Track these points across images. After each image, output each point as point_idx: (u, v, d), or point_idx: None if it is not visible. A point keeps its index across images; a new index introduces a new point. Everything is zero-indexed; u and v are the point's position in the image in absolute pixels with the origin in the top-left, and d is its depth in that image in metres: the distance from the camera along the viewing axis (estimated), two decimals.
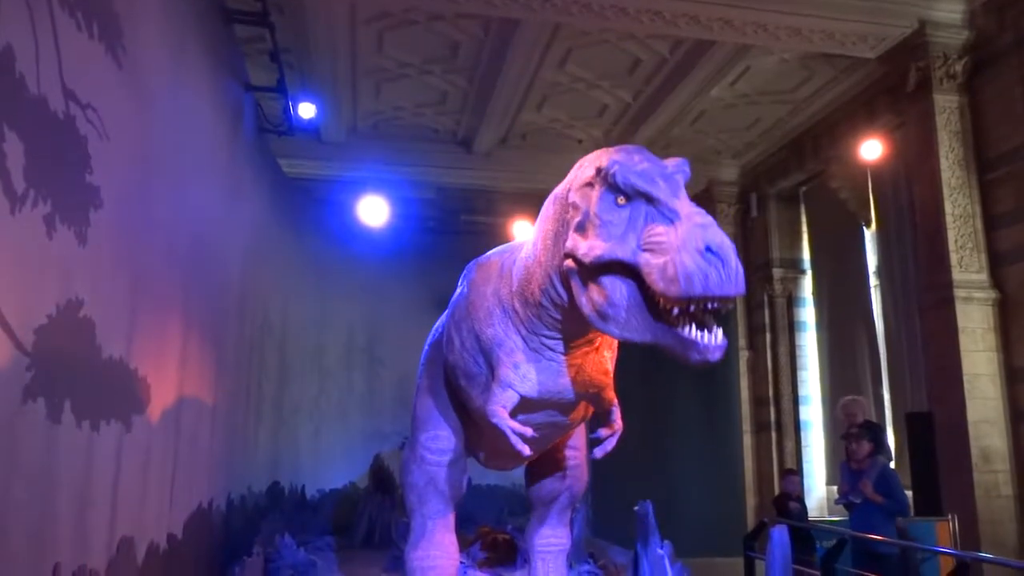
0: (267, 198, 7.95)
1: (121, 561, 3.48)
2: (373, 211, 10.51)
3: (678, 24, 8.14)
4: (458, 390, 4.16)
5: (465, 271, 4.12)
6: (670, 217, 2.73)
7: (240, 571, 4.43)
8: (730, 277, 2.55)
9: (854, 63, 9.30)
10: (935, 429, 8.15)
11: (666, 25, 8.22)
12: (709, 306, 2.64)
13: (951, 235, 7.95)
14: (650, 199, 2.82)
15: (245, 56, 7.62)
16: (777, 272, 12.57)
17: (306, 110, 8.31)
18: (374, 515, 8.19)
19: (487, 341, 3.65)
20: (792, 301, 12.61)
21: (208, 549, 5.52)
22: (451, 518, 4.48)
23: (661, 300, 2.70)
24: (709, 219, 2.71)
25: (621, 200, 2.89)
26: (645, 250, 2.74)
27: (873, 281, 10.54)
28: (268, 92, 7.61)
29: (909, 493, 7.34)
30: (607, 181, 2.93)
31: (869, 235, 10.61)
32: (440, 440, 4.35)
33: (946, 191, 8.00)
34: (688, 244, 2.60)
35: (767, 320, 12.70)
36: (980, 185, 8.11)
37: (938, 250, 8.07)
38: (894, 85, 8.90)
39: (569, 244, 3.05)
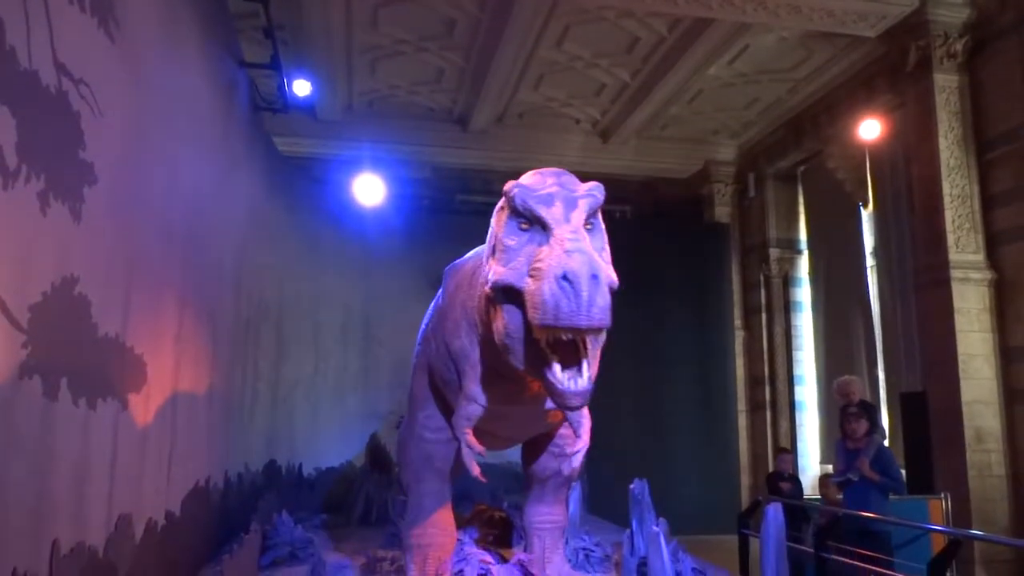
0: (262, 176, 7.90)
1: (119, 538, 3.49)
2: (369, 190, 10.46)
3: (677, 2, 8.09)
4: (439, 388, 4.18)
5: (444, 275, 4.12)
6: (552, 242, 2.68)
7: (238, 548, 4.44)
8: (579, 308, 2.46)
9: (854, 42, 9.25)
10: (929, 409, 8.20)
11: (665, 3, 8.17)
12: (564, 337, 2.57)
13: (948, 216, 7.96)
14: (543, 224, 2.76)
15: (239, 32, 7.54)
16: (774, 252, 12.59)
17: (301, 87, 8.24)
18: (371, 493, 8.20)
19: (454, 353, 3.67)
20: (788, 281, 12.64)
21: (206, 526, 5.55)
22: (448, 495, 4.50)
23: (534, 330, 2.65)
24: (578, 244, 2.62)
25: (524, 225, 2.85)
26: (530, 276, 2.68)
27: (869, 262, 10.56)
28: (262, 69, 7.53)
29: (902, 472, 7.40)
30: (510, 205, 2.89)
31: (866, 216, 10.62)
32: (437, 419, 4.35)
33: (944, 171, 8.00)
34: (551, 271, 2.54)
35: (763, 300, 12.74)
36: (979, 165, 8.11)
37: (935, 231, 8.09)
38: (894, 64, 8.87)
39: (484, 268, 3.02)
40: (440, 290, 4.11)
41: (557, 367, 2.69)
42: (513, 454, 9.03)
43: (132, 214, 3.68)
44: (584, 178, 3.10)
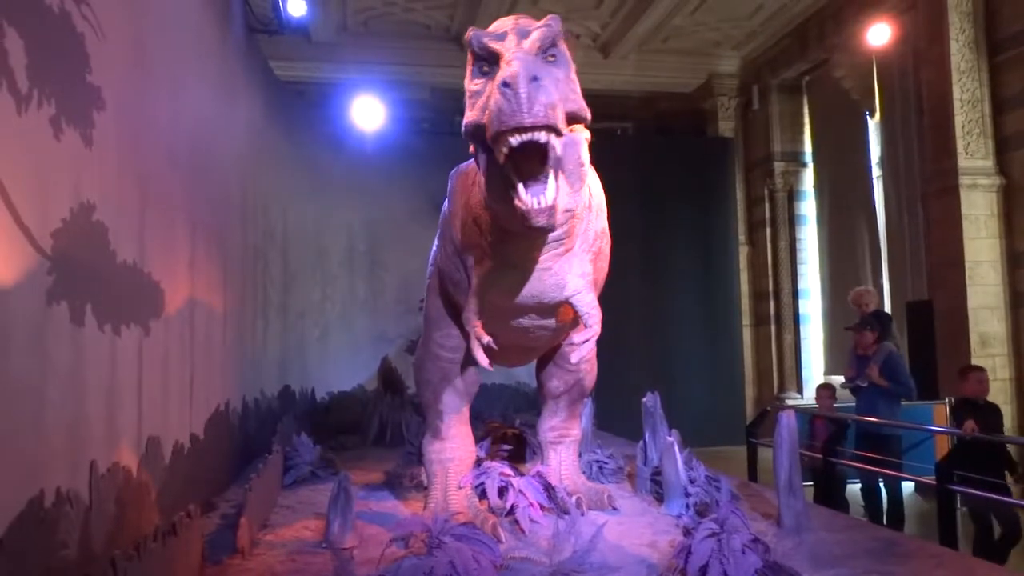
0: (261, 101, 7.74)
1: (150, 459, 3.57)
2: (367, 113, 10.31)
3: None
4: (450, 295, 4.19)
5: (449, 178, 4.08)
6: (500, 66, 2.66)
7: (263, 467, 4.56)
8: (519, 106, 2.44)
9: None
10: (934, 316, 8.28)
11: None
12: (513, 142, 2.51)
13: (958, 121, 7.86)
14: (496, 57, 2.74)
15: None
16: (778, 166, 12.49)
17: (296, 7, 7.99)
18: (385, 415, 8.33)
19: (462, 250, 3.66)
20: (793, 195, 12.59)
21: (228, 448, 5.67)
22: (466, 412, 4.57)
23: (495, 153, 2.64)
24: (519, 54, 2.62)
25: (485, 68, 2.83)
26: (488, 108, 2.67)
27: (876, 172, 10.48)
28: None
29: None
30: (470, 51, 2.88)
31: (873, 125, 10.48)
32: (452, 337, 4.38)
33: (955, 75, 7.86)
34: (497, 87, 2.53)
35: (767, 215, 12.72)
36: (989, 68, 7.95)
37: (944, 137, 8.00)
38: None
39: (467, 165, 3.01)
40: (447, 194, 4.08)
41: (521, 188, 2.68)
42: (521, 374, 9.15)
43: (139, 140, 3.63)
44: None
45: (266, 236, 7.92)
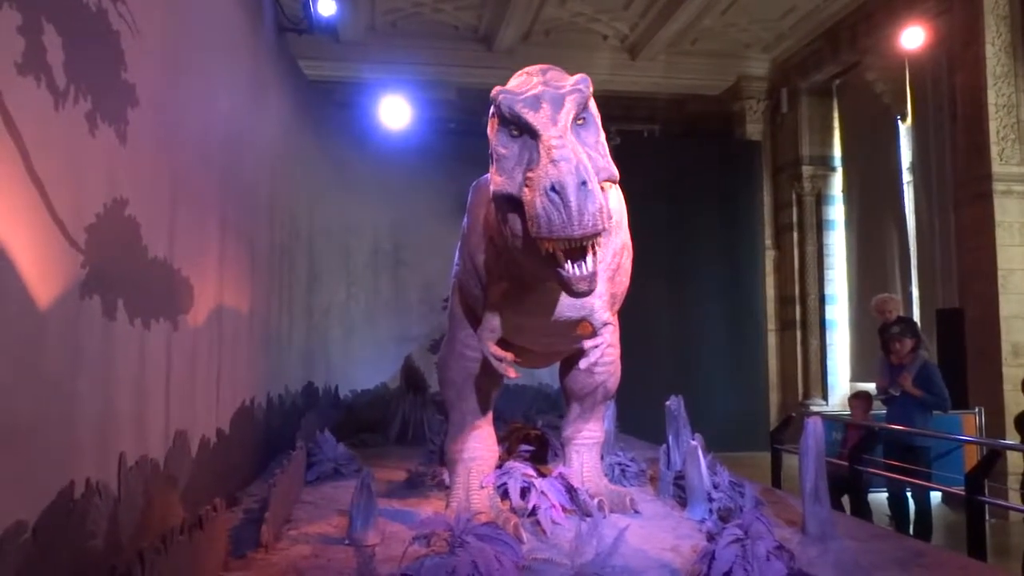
0: (290, 101, 7.81)
1: (177, 452, 3.61)
2: (395, 113, 10.36)
3: None
4: (471, 306, 4.22)
5: (469, 192, 4.11)
6: (540, 150, 2.67)
7: (287, 463, 4.59)
8: (570, 218, 2.48)
9: None
10: (965, 325, 8.15)
11: None
12: (563, 248, 2.59)
13: (993, 126, 7.74)
14: (531, 131, 2.73)
15: None
16: (807, 170, 12.38)
17: (326, 7, 8.05)
18: (407, 413, 8.36)
19: (479, 267, 3.71)
20: (821, 199, 12.47)
21: (253, 444, 5.73)
22: (489, 412, 4.58)
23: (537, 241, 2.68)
24: (563, 152, 2.59)
25: (515, 132, 2.83)
26: (526, 186, 2.70)
27: (906, 177, 10.34)
28: None
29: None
30: (498, 113, 2.86)
31: (904, 129, 10.34)
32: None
33: (990, 79, 7.74)
34: (541, 184, 2.55)
35: (795, 219, 12.60)
36: None
37: (978, 142, 7.87)
38: None
39: (489, 177, 3.03)
40: (467, 207, 4.12)
41: (566, 261, 2.71)
42: (544, 375, 9.13)
43: (171, 137, 3.67)
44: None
45: (293, 234, 7.98)
